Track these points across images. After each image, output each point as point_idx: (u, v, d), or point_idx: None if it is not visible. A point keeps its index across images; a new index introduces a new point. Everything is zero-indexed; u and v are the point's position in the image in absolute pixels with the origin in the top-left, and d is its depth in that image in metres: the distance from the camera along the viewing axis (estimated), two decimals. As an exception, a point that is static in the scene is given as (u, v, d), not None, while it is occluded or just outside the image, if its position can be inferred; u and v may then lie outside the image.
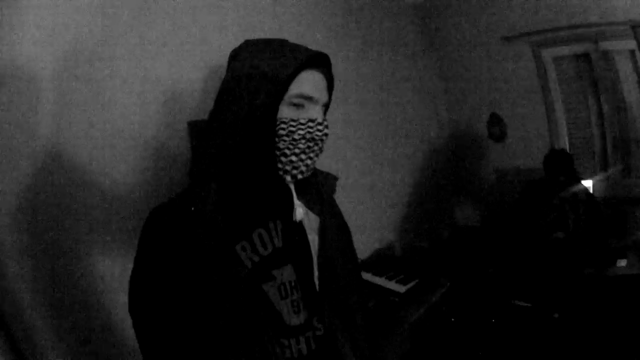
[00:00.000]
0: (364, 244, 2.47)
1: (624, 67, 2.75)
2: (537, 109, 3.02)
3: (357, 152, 2.44)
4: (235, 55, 0.86)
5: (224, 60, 0.89)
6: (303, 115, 0.81)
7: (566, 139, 3.01)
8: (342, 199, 1.02)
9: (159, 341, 0.75)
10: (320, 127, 0.83)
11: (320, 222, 0.91)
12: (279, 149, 0.81)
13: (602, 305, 2.16)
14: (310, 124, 0.82)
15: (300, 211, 0.86)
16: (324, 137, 0.84)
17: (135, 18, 1.38)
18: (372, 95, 2.59)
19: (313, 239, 0.89)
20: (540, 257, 2.42)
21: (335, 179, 0.98)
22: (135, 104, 1.37)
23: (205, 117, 0.87)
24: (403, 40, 2.96)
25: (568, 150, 2.88)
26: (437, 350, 2.08)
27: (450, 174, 3.42)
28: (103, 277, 1.28)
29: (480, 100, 3.26)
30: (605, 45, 2.72)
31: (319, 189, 0.94)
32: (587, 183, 2.65)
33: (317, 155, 0.86)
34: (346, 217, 1.09)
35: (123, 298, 0.80)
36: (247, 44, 0.86)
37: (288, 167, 0.82)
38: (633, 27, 2.52)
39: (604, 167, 2.95)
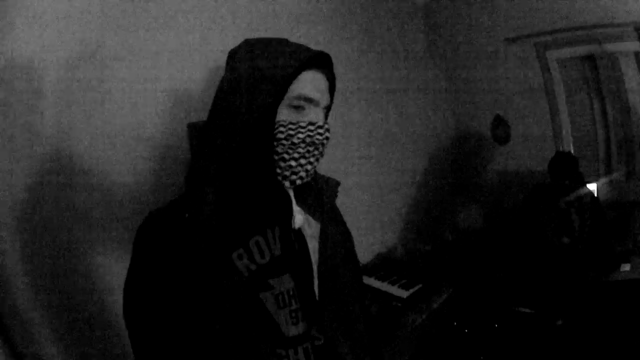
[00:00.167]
0: (366, 248, 2.46)
1: (629, 69, 2.73)
2: (541, 111, 2.99)
3: (359, 154, 2.43)
4: (233, 55, 0.83)
5: (224, 60, 0.87)
6: (303, 118, 0.78)
7: (570, 141, 2.99)
8: (344, 202, 1.00)
9: (152, 350, 0.73)
10: (320, 131, 0.80)
11: (321, 228, 0.88)
12: (278, 154, 0.78)
13: (605, 311, 2.13)
14: (311, 127, 0.79)
15: (299, 218, 0.83)
16: (324, 141, 0.81)
17: (136, 19, 1.37)
18: (374, 97, 2.58)
19: (313, 246, 0.86)
20: (545, 263, 2.39)
21: (337, 184, 0.95)
22: (136, 104, 1.36)
23: (206, 118, 0.84)
24: (406, 41, 2.94)
25: (572, 153, 2.85)
26: (440, 356, 2.06)
27: (453, 177, 3.39)
28: (103, 277, 1.27)
29: (484, 102, 3.23)
30: (610, 47, 2.70)
31: (320, 194, 0.91)
32: (592, 186, 2.62)
33: (317, 160, 0.82)
34: (348, 221, 1.06)
35: (123, 298, 0.78)
36: (246, 44, 0.83)
37: (287, 173, 0.79)
38: (637, 29, 2.50)
39: (608, 170, 2.93)
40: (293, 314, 0.79)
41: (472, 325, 2.22)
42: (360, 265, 2.20)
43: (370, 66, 2.54)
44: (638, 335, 2.00)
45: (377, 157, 2.59)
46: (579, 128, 2.98)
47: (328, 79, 0.83)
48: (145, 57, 1.39)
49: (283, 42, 0.81)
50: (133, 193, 1.35)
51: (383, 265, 2.36)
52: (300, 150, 0.78)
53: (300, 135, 0.77)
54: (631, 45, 2.62)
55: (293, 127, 0.77)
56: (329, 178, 0.95)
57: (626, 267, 2.34)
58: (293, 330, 0.78)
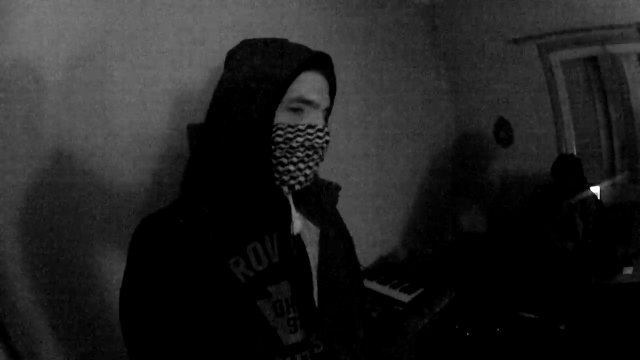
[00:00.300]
0: (368, 251, 2.44)
1: (632, 71, 2.72)
2: (544, 113, 2.97)
3: (360, 156, 2.41)
4: (231, 56, 0.81)
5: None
6: (302, 121, 0.76)
7: (573, 143, 2.97)
8: (345, 204, 0.99)
9: (148, 357, 0.71)
10: (320, 134, 0.77)
11: (320, 234, 0.86)
12: (276, 158, 0.75)
13: (608, 316, 2.11)
14: (310, 130, 0.76)
15: (298, 224, 0.81)
16: (324, 145, 0.78)
17: (136, 19, 1.36)
18: (376, 98, 2.56)
19: (313, 252, 0.84)
20: (548, 268, 2.37)
21: (338, 188, 0.93)
22: (137, 105, 1.36)
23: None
24: (408, 41, 2.92)
25: (575, 156, 2.83)
26: (441, 360, 2.04)
27: (455, 179, 3.37)
28: (104, 276, 1.27)
29: (487, 103, 3.21)
30: (613, 48, 2.68)
31: (319, 198, 0.88)
32: (595, 189, 2.59)
33: (317, 165, 0.80)
34: (349, 224, 1.05)
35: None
36: (245, 44, 0.81)
37: (285, 177, 0.77)
38: (641, 30, 2.48)
39: (612, 173, 2.91)
40: (291, 322, 0.77)
41: (473, 329, 2.20)
42: (362, 268, 2.20)
43: (371, 67, 2.53)
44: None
45: (379, 159, 2.58)
46: (582, 130, 2.96)
47: (328, 81, 0.81)
48: (146, 58, 1.38)
49: (282, 43, 0.79)
50: (133, 193, 1.34)
51: (384, 268, 2.35)
52: (299, 154, 0.76)
53: (299, 139, 0.75)
54: (634, 47, 2.61)
55: (292, 130, 0.75)
56: (329, 182, 0.93)
57: (629, 271, 2.32)
58: (291, 339, 0.77)
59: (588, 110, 2.94)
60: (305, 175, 0.78)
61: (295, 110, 0.75)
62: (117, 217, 1.30)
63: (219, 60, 0.87)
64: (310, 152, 0.77)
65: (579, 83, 2.93)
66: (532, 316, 2.21)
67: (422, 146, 3.02)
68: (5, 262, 1.08)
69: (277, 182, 0.77)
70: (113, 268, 1.26)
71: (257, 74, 0.73)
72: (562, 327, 2.14)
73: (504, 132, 3.18)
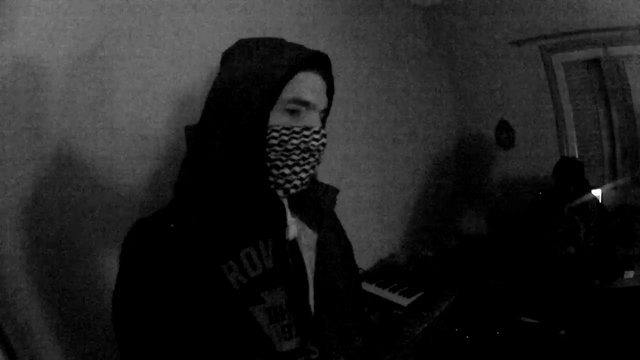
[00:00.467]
0: (367, 254, 2.42)
1: (634, 73, 2.71)
2: (546, 115, 2.95)
3: (360, 158, 2.40)
4: (227, 56, 0.80)
5: (224, 60, 0.84)
6: (298, 123, 0.74)
7: (575, 146, 2.95)
8: (345, 206, 0.98)
9: None
10: (316, 137, 0.75)
11: (317, 239, 0.84)
12: (271, 160, 0.73)
13: (609, 320, 2.10)
14: (306, 132, 0.74)
15: (293, 229, 0.79)
16: (321, 148, 0.76)
17: (138, 18, 1.35)
18: (377, 100, 2.55)
19: (310, 257, 0.82)
20: (549, 273, 2.36)
21: (336, 191, 0.90)
22: (137, 105, 1.35)
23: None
24: (409, 43, 2.91)
25: (577, 158, 2.82)
26: (441, 365, 2.03)
27: (456, 181, 3.36)
28: (104, 276, 1.25)
29: (488, 105, 3.20)
30: (615, 50, 2.67)
31: (317, 202, 0.86)
32: (597, 192, 2.58)
33: (313, 168, 0.78)
34: (349, 226, 1.03)
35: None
36: (241, 44, 0.79)
37: (280, 181, 0.75)
38: (643, 32, 2.47)
39: (614, 176, 2.89)
40: (286, 329, 0.75)
41: (473, 332, 2.18)
42: (361, 271, 2.19)
43: (372, 69, 2.51)
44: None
45: (379, 161, 2.56)
46: (583, 132, 2.95)
47: (326, 81, 0.79)
48: (146, 58, 1.37)
49: (278, 42, 0.77)
50: (135, 193, 1.33)
51: (384, 271, 2.33)
52: (295, 157, 0.74)
53: (295, 141, 0.73)
54: (636, 49, 2.60)
55: (287, 132, 0.73)
56: (327, 185, 0.91)
57: (630, 274, 2.31)
58: (286, 346, 0.75)
59: (590, 112, 2.93)
60: (301, 179, 0.76)
61: (291, 111, 0.73)
62: (117, 217, 1.28)
63: (219, 60, 0.86)
64: (306, 155, 0.75)
65: (581, 85, 2.91)
66: (532, 321, 2.19)
67: (422, 148, 3.01)
68: (5, 262, 1.07)
69: (272, 186, 0.75)
70: (113, 268, 1.25)
71: (252, 74, 0.71)
72: (563, 332, 2.12)
73: (505, 134, 3.17)
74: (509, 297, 2.38)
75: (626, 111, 2.77)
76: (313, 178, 0.85)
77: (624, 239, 2.55)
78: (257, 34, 0.88)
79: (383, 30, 2.63)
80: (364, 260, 2.35)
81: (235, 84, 0.72)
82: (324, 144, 0.76)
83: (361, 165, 2.40)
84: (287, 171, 0.74)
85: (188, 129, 1.43)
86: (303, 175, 0.76)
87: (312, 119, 0.75)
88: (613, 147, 2.89)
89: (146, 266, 0.69)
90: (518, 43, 2.92)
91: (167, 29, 1.44)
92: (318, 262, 0.83)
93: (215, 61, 1.48)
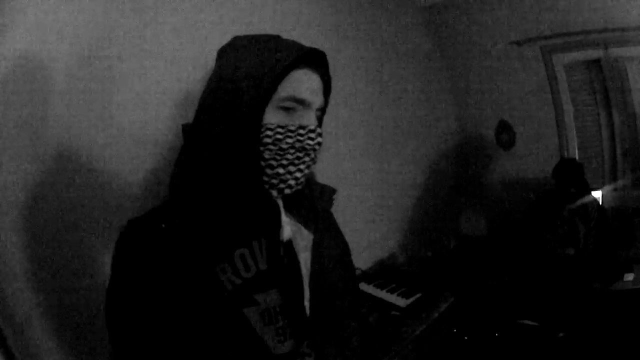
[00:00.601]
0: (366, 254, 2.40)
1: (635, 74, 2.69)
2: (547, 116, 2.94)
3: (359, 157, 2.39)
4: (222, 53, 0.78)
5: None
6: (293, 121, 0.72)
7: (576, 147, 2.94)
8: (343, 206, 0.97)
9: None
10: (312, 135, 0.73)
11: (313, 240, 0.82)
12: (265, 160, 0.72)
13: (609, 323, 2.09)
14: (301, 131, 0.72)
15: (288, 230, 0.77)
16: (316, 147, 0.74)
17: (137, 18, 1.35)
18: (376, 100, 2.53)
19: (305, 258, 0.81)
20: (549, 274, 2.35)
21: (333, 192, 0.89)
22: (137, 105, 1.34)
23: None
24: (410, 42, 2.90)
25: (577, 159, 2.81)
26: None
27: (456, 182, 3.34)
28: (105, 277, 1.23)
29: (489, 106, 3.18)
30: (616, 51, 2.66)
31: (313, 203, 0.85)
32: (597, 193, 2.57)
33: (308, 167, 0.76)
34: (347, 226, 1.02)
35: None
36: (236, 40, 0.78)
37: (274, 181, 0.74)
38: (644, 33, 2.46)
39: (614, 177, 2.88)
40: (280, 331, 0.73)
41: (472, 334, 2.17)
42: (359, 271, 2.18)
43: (371, 68, 2.50)
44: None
45: (378, 161, 2.55)
46: (584, 134, 2.94)
47: (323, 79, 0.78)
48: (146, 57, 1.36)
49: (274, 39, 0.76)
50: (135, 193, 1.33)
51: (382, 272, 2.31)
52: (289, 156, 0.72)
53: (289, 140, 0.71)
54: (638, 50, 2.59)
55: (281, 130, 0.71)
56: (324, 185, 0.90)
57: (630, 277, 2.29)
58: (280, 348, 0.73)
59: (590, 113, 2.91)
60: (296, 179, 0.75)
61: (286, 109, 0.72)
62: (117, 217, 1.26)
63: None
64: (301, 154, 0.73)
65: (582, 86, 2.90)
66: (531, 323, 2.18)
67: (422, 148, 2.99)
68: (5, 262, 1.07)
69: (266, 186, 0.74)
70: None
71: (247, 71, 0.70)
72: (561, 334, 2.11)
73: (505, 134, 3.15)
74: (508, 298, 2.37)
75: (627, 112, 2.76)
76: (310, 178, 0.83)
77: (624, 241, 2.54)
78: (257, 32, 0.86)
79: (382, 30, 2.62)
80: (362, 260, 2.33)
81: (229, 81, 0.71)
82: (319, 143, 0.75)
83: (360, 165, 2.39)
84: (281, 171, 0.73)
85: (185, 127, 1.42)
86: (298, 175, 0.74)
87: (307, 117, 0.74)
88: (613, 148, 2.88)
89: (136, 267, 0.68)
90: (518, 43, 2.90)
91: (168, 29, 1.43)
92: (314, 264, 0.81)
93: (215, 61, 1.48)
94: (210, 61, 1.46)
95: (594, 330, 2.07)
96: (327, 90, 0.80)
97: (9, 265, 1.07)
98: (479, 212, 3.14)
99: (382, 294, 2.03)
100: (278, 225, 0.76)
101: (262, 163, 0.72)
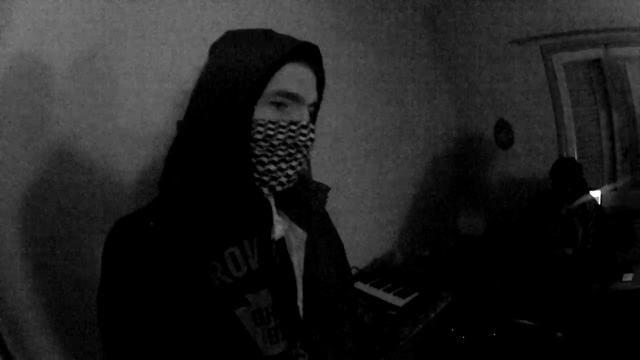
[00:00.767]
0: (363, 253, 2.41)
1: (635, 74, 2.69)
2: (546, 116, 2.93)
3: (358, 156, 2.38)
4: (214, 48, 0.77)
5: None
6: (284, 117, 0.71)
7: (575, 147, 2.93)
8: (341, 204, 0.96)
9: None
10: (304, 131, 0.72)
11: (307, 239, 0.81)
12: (255, 156, 0.70)
13: (607, 323, 2.08)
14: (293, 127, 0.71)
15: (279, 228, 0.76)
16: (308, 143, 0.73)
17: (139, 17, 1.35)
18: (374, 97, 2.53)
19: (299, 257, 0.79)
20: (546, 274, 2.34)
21: (327, 189, 0.88)
22: (139, 104, 1.35)
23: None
24: (408, 41, 2.89)
25: (576, 159, 2.79)
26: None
27: (454, 181, 3.34)
28: None
29: (487, 105, 3.18)
30: (616, 51, 2.65)
31: (307, 201, 0.83)
32: (596, 193, 2.56)
33: (300, 164, 0.74)
34: (344, 225, 1.01)
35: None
36: (228, 35, 0.76)
37: (266, 178, 0.72)
38: (645, 33, 2.45)
39: (613, 177, 2.87)
40: (272, 332, 0.72)
41: (470, 333, 2.17)
42: (356, 270, 2.17)
43: (370, 66, 2.49)
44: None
45: (377, 159, 2.55)
46: (583, 133, 2.93)
47: (316, 74, 0.76)
48: (146, 57, 1.37)
49: (267, 33, 0.74)
50: (135, 193, 1.33)
51: (379, 271, 2.31)
52: (281, 152, 0.71)
53: (281, 136, 0.70)
54: (638, 50, 2.58)
55: (272, 126, 0.69)
56: (318, 183, 0.88)
57: (628, 278, 2.28)
58: (272, 349, 0.72)
59: (590, 113, 2.91)
60: (288, 176, 0.73)
61: (278, 104, 0.70)
62: (117, 217, 1.27)
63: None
64: (292, 151, 0.72)
65: (582, 85, 2.89)
66: (529, 323, 2.18)
67: (420, 147, 2.99)
68: (5, 262, 1.07)
69: (257, 183, 0.72)
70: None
71: (237, 66, 0.68)
72: (559, 334, 2.10)
73: (504, 134, 3.15)
74: (506, 298, 2.36)
75: (626, 112, 2.76)
76: (304, 176, 0.82)
77: (623, 241, 2.53)
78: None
79: (382, 29, 2.61)
80: (360, 259, 2.34)
81: (220, 76, 0.69)
82: (311, 140, 0.73)
83: (359, 163, 2.39)
84: (272, 167, 0.71)
85: (180, 123, 1.41)
86: (289, 172, 0.73)
87: (299, 113, 0.72)
88: (613, 148, 2.87)
89: (124, 267, 0.66)
90: (518, 42, 2.89)
91: (168, 29, 1.43)
92: (307, 263, 0.80)
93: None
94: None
95: (592, 330, 2.06)
96: (320, 86, 0.78)
97: (8, 264, 1.07)
98: (477, 212, 3.14)
99: (379, 293, 2.02)
100: (270, 224, 0.74)
101: (253, 160, 0.70)
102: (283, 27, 1.71)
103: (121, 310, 0.66)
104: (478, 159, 3.32)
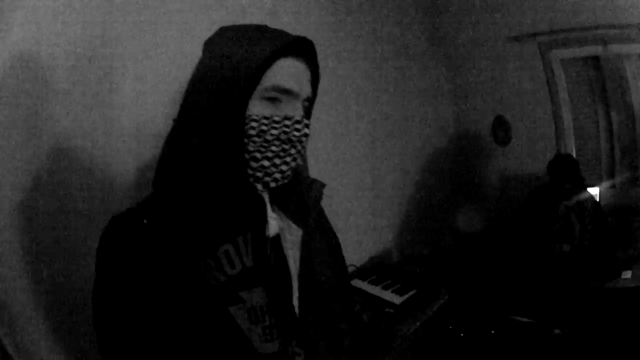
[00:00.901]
0: (361, 250, 2.40)
1: (634, 71, 2.69)
2: (544, 113, 2.93)
3: (354, 153, 2.37)
4: (208, 44, 0.76)
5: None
6: (278, 112, 0.70)
7: (573, 143, 2.93)
8: (339, 202, 0.95)
9: None
10: (298, 127, 0.71)
11: (303, 235, 0.80)
12: (249, 152, 0.69)
13: (605, 321, 2.08)
14: (287, 122, 0.70)
15: (274, 225, 0.75)
16: (302, 139, 0.72)
17: (139, 16, 1.34)
18: (372, 94, 2.52)
19: (294, 255, 0.78)
20: (544, 271, 2.34)
21: (323, 186, 0.87)
22: (138, 104, 1.34)
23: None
24: (406, 39, 2.88)
25: (574, 156, 2.79)
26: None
27: (452, 178, 3.33)
28: None
29: (485, 101, 3.18)
30: (615, 48, 2.65)
31: (302, 197, 0.82)
32: (594, 190, 2.56)
33: (294, 160, 0.74)
34: (342, 221, 1.00)
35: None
36: (222, 31, 0.75)
37: (259, 174, 0.71)
38: (643, 30, 2.45)
39: (612, 174, 2.87)
40: (267, 330, 0.71)
41: (468, 330, 2.17)
42: (354, 268, 2.16)
43: (369, 64, 2.49)
44: (639, 344, 1.94)
45: (374, 157, 2.54)
46: (581, 130, 2.93)
47: (310, 69, 0.75)
48: (146, 57, 1.36)
49: (260, 28, 0.73)
50: (133, 193, 1.31)
51: (377, 268, 2.29)
52: (274, 148, 0.70)
53: (274, 132, 0.69)
54: (637, 47, 2.58)
55: (266, 121, 0.69)
56: (314, 179, 0.87)
57: (627, 275, 2.28)
58: (267, 348, 0.71)
59: (588, 110, 2.92)
60: (282, 172, 0.72)
61: (272, 99, 0.70)
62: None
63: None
64: (286, 146, 0.71)
65: (580, 82, 2.90)
66: (527, 320, 2.18)
67: (418, 144, 2.98)
68: (5, 262, 1.06)
69: (251, 179, 0.72)
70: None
71: (231, 61, 0.67)
72: (557, 331, 2.10)
73: (502, 131, 3.15)
74: (503, 295, 2.36)
75: (625, 109, 2.76)
76: (299, 172, 0.81)
77: (622, 239, 2.53)
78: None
79: (380, 27, 2.60)
80: (357, 256, 2.32)
81: (213, 71, 0.69)
82: (306, 135, 0.73)
83: (357, 161, 2.39)
84: (266, 163, 0.70)
85: (175, 121, 1.40)
86: (284, 167, 0.72)
87: (293, 108, 0.72)
88: (611, 145, 2.87)
89: (117, 265, 0.66)
90: (516, 39, 2.88)
91: (168, 29, 1.42)
92: (303, 261, 0.79)
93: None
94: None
95: (590, 328, 2.06)
96: (315, 81, 0.78)
97: (7, 264, 1.07)
98: (475, 209, 3.13)
99: (377, 291, 2.01)
100: (264, 220, 0.73)
101: (247, 155, 0.70)
102: (283, 27, 1.72)
103: (115, 308, 0.66)
104: (476, 156, 3.32)
